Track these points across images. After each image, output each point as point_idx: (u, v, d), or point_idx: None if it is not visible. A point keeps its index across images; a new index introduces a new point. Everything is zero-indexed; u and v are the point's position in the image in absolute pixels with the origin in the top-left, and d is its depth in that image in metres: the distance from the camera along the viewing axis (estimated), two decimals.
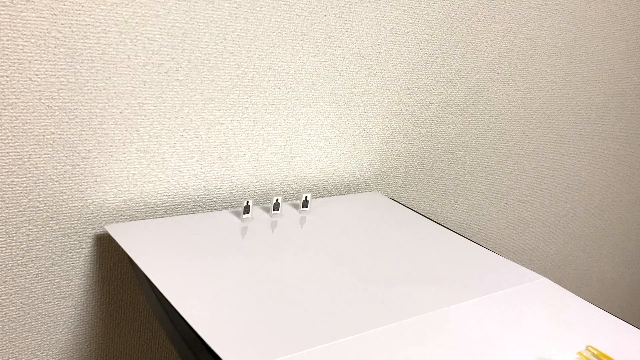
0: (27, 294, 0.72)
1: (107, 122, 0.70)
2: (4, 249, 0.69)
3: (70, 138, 0.69)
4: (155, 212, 0.77)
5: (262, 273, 0.64)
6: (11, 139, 0.65)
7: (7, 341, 0.72)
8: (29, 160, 0.67)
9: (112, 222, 0.74)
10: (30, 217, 0.69)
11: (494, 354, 0.56)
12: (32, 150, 0.67)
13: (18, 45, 0.63)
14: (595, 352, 0.50)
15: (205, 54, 0.75)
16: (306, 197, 0.82)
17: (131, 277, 0.79)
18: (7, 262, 0.69)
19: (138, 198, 0.76)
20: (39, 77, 0.65)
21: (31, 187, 0.68)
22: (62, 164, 0.69)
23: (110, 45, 0.68)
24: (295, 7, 0.80)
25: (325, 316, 0.58)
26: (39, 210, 0.69)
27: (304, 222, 0.79)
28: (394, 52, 0.93)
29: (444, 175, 1.09)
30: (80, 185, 0.71)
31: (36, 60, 0.64)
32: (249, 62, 0.78)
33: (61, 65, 0.65)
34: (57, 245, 0.72)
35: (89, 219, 0.73)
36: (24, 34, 0.62)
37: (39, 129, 0.66)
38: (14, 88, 0.64)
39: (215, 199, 0.82)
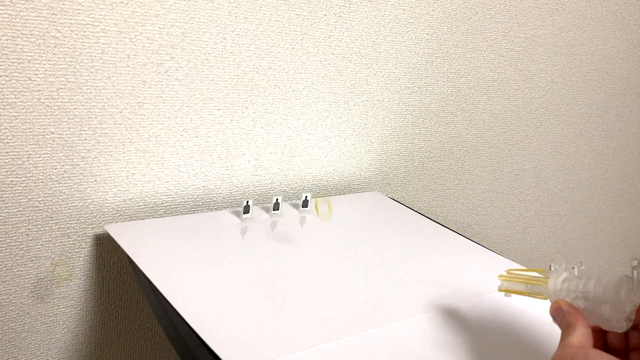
0: (26, 293, 0.72)
1: (106, 121, 0.70)
2: (3, 248, 0.68)
3: (69, 138, 0.69)
4: (155, 212, 0.77)
5: (262, 273, 0.64)
6: (10, 139, 0.65)
7: (7, 341, 0.72)
8: (28, 160, 0.67)
9: (111, 222, 0.74)
10: (30, 217, 0.69)
11: (495, 353, 0.56)
12: (32, 149, 0.67)
13: (17, 44, 0.62)
14: (514, 272, 0.55)
15: (205, 53, 0.74)
16: (306, 196, 0.82)
17: (131, 277, 0.79)
18: (6, 262, 0.69)
19: (138, 198, 0.75)
20: (38, 77, 0.65)
21: (30, 187, 0.68)
22: (62, 164, 0.69)
23: (109, 45, 0.68)
24: (295, 7, 0.80)
25: (325, 316, 0.57)
26: (38, 210, 0.69)
27: (304, 222, 0.79)
28: (394, 51, 0.93)
29: (444, 175, 1.09)
30: (80, 185, 0.71)
31: (35, 59, 0.64)
32: (248, 62, 0.78)
33: (60, 64, 0.65)
34: (56, 245, 0.72)
35: (88, 219, 0.73)
36: (23, 34, 0.62)
37: (39, 129, 0.66)
38: (13, 88, 0.64)
39: (215, 199, 0.82)
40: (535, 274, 0.52)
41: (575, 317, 0.44)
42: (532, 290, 0.51)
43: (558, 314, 0.46)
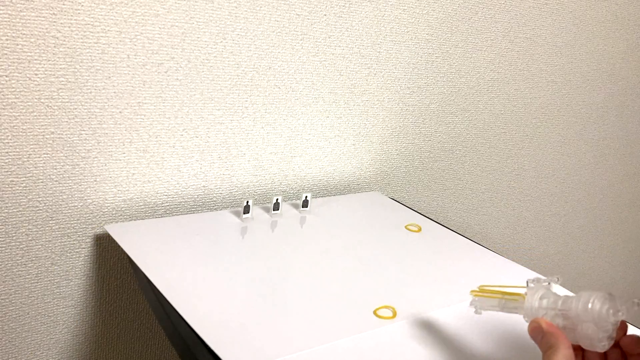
0: (26, 293, 0.72)
1: (106, 121, 0.70)
2: (3, 248, 0.68)
3: (69, 138, 0.69)
4: (155, 212, 0.77)
5: (262, 273, 0.64)
6: (10, 139, 0.65)
7: (7, 341, 0.72)
8: (28, 160, 0.67)
9: (111, 222, 0.74)
10: (30, 217, 0.69)
11: (495, 353, 0.56)
12: (32, 150, 0.67)
13: (17, 44, 0.62)
14: (486, 288, 0.52)
15: (205, 53, 0.74)
16: (306, 196, 0.82)
17: (131, 277, 0.79)
18: (6, 262, 0.69)
19: (138, 198, 0.75)
20: (38, 77, 0.65)
21: (31, 187, 0.68)
22: (62, 164, 0.69)
23: (109, 45, 0.68)
24: (295, 7, 0.80)
25: (325, 316, 0.57)
26: (38, 210, 0.69)
27: (304, 222, 0.79)
28: (394, 51, 0.93)
29: (444, 175, 1.09)
30: (80, 185, 0.71)
31: (35, 59, 0.64)
32: (248, 62, 0.78)
33: (61, 64, 0.65)
34: (56, 245, 0.72)
35: (88, 219, 0.73)
36: (24, 34, 0.62)
37: (39, 129, 0.66)
38: (13, 88, 0.64)
39: (215, 199, 0.82)
40: (510, 289, 0.50)
41: (557, 337, 0.42)
42: (506, 306, 0.49)
43: (537, 334, 0.44)
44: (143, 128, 0.73)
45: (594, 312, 0.42)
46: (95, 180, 0.72)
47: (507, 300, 0.49)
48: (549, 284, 0.48)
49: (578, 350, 0.46)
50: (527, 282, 0.49)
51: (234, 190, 0.83)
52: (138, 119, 0.72)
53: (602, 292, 0.43)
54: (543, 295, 0.47)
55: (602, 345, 0.42)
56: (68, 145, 0.69)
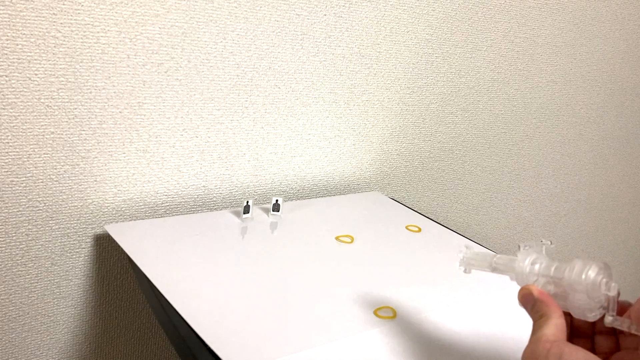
0: (26, 293, 0.72)
1: (106, 121, 0.70)
2: (3, 248, 0.68)
3: (69, 138, 0.69)
4: (155, 212, 0.77)
5: (262, 273, 0.64)
6: (10, 139, 0.65)
7: (7, 341, 0.72)
8: (28, 160, 0.67)
9: (111, 222, 0.74)
10: (30, 217, 0.69)
11: (495, 353, 0.56)
12: (32, 149, 0.67)
13: (17, 44, 0.62)
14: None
15: (205, 53, 0.74)
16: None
17: (131, 277, 0.79)
18: (6, 262, 0.69)
19: (138, 198, 0.75)
20: (38, 77, 0.65)
21: (30, 187, 0.68)
22: (62, 164, 0.69)
23: (109, 45, 0.68)
24: (295, 7, 0.80)
25: (325, 316, 0.57)
26: (38, 210, 0.69)
27: (304, 222, 0.79)
28: (394, 51, 0.93)
29: (444, 175, 1.09)
30: (80, 185, 0.71)
31: (35, 59, 0.64)
32: (248, 62, 0.78)
33: (60, 64, 0.65)
34: (56, 245, 0.72)
35: (88, 219, 0.73)
36: (24, 34, 0.62)
37: (39, 129, 0.66)
38: (13, 88, 0.64)
39: (215, 199, 0.82)
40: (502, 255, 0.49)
41: (548, 306, 0.41)
42: (496, 267, 0.48)
43: (528, 301, 0.42)
44: (143, 128, 0.73)
45: (588, 282, 0.41)
46: (95, 180, 0.72)
47: (497, 262, 0.48)
48: (542, 248, 0.46)
49: (567, 316, 0.44)
50: (519, 246, 0.47)
51: (234, 190, 0.83)
52: (138, 119, 0.72)
53: (597, 262, 0.42)
54: (535, 259, 0.45)
55: (593, 315, 0.41)
56: (68, 145, 0.69)
